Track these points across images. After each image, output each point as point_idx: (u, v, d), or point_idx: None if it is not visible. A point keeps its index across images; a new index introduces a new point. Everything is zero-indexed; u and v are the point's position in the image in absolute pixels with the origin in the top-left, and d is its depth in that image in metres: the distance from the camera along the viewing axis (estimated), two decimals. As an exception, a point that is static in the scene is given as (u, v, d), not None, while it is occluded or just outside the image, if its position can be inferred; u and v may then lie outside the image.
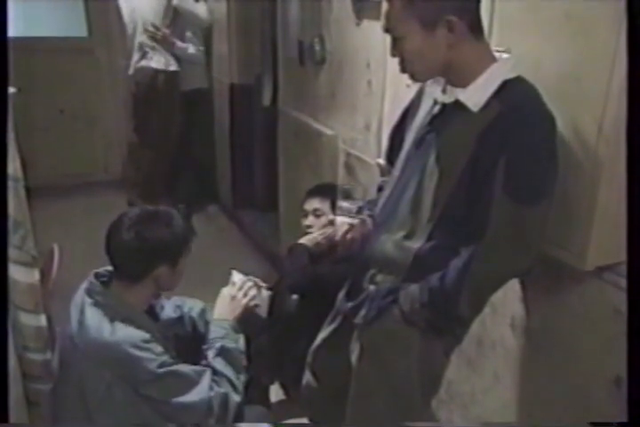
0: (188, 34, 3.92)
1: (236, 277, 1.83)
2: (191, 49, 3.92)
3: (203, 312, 1.90)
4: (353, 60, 2.41)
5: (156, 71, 3.90)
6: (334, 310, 1.74)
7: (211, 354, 1.64)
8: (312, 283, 2.07)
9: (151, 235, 1.53)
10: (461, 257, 1.36)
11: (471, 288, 1.36)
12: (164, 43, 3.82)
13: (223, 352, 1.64)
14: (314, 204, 2.20)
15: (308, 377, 1.88)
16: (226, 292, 1.78)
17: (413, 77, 1.41)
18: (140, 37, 3.88)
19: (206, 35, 4.09)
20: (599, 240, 1.37)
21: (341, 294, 1.70)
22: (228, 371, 1.62)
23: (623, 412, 1.03)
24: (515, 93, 1.29)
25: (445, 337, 1.50)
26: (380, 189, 1.69)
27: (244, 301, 1.76)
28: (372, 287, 1.54)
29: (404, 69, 1.39)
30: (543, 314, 1.61)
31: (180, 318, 1.87)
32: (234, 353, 1.65)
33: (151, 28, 3.80)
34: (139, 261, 1.54)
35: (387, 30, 1.35)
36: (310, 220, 2.21)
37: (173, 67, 3.92)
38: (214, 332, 1.69)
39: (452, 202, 1.37)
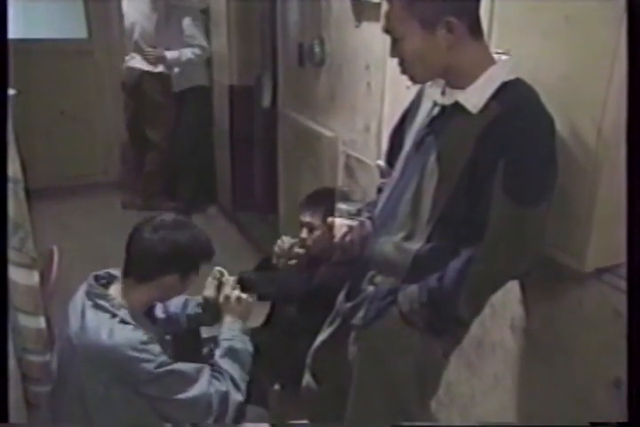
0: (188, 31, 3.90)
1: (226, 274, 1.87)
2: (187, 54, 3.90)
3: (184, 306, 1.91)
4: (352, 61, 2.42)
5: (143, 72, 3.92)
6: (334, 311, 1.74)
7: (218, 353, 1.67)
8: (310, 289, 2.07)
9: (174, 241, 1.56)
10: (460, 258, 1.36)
11: (470, 289, 1.36)
12: (156, 61, 3.89)
13: (230, 352, 1.67)
14: (306, 217, 2.13)
15: (307, 379, 1.88)
16: (233, 295, 1.79)
17: (413, 79, 1.41)
18: (135, 38, 3.92)
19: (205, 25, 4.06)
20: (598, 242, 1.37)
21: (341, 296, 1.70)
22: (234, 370, 1.64)
23: (623, 413, 1.03)
24: (513, 95, 1.29)
25: (444, 338, 1.50)
26: (380, 190, 1.69)
27: (250, 300, 1.80)
28: (370, 288, 1.54)
29: (404, 71, 1.39)
30: (543, 315, 1.61)
31: (169, 318, 1.89)
32: (241, 354, 1.69)
33: (148, 50, 3.86)
34: (153, 262, 1.56)
35: (386, 31, 1.35)
36: (304, 233, 2.14)
37: (160, 68, 3.93)
38: (224, 333, 1.72)
39: (452, 203, 1.37)
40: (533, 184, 1.29)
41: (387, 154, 1.68)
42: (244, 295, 1.80)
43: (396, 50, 1.36)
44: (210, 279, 1.88)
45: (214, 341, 1.96)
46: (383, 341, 1.51)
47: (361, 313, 1.54)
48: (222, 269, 1.89)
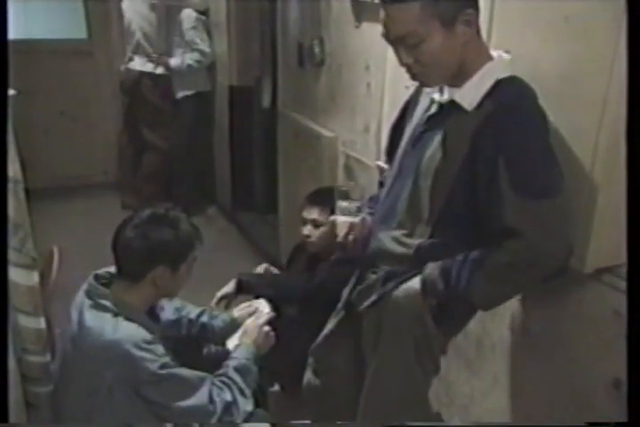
0: (187, 36, 3.88)
1: (267, 307, 1.89)
2: (187, 60, 3.87)
3: (201, 314, 1.90)
4: (352, 62, 2.42)
5: (142, 74, 3.91)
6: (337, 306, 1.73)
7: (231, 364, 1.66)
8: (310, 290, 2.07)
9: (154, 235, 1.55)
10: (488, 248, 1.33)
11: (488, 275, 1.32)
12: (160, 63, 3.89)
13: (245, 369, 1.66)
14: (313, 213, 2.16)
15: (308, 376, 1.87)
16: (265, 329, 1.79)
17: (426, 83, 1.40)
18: (136, 39, 3.92)
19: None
20: (598, 242, 1.37)
21: (345, 292, 1.69)
22: (243, 383, 1.63)
23: (622, 414, 1.03)
24: (507, 92, 1.30)
25: (445, 324, 1.48)
26: (382, 184, 1.69)
27: (272, 334, 1.80)
28: (373, 276, 1.54)
29: (414, 77, 1.35)
30: (543, 316, 1.61)
31: (178, 321, 1.88)
32: (252, 374, 1.68)
33: (153, 55, 3.87)
34: (138, 259, 1.56)
35: (400, 38, 1.29)
36: (308, 229, 2.17)
37: (161, 70, 3.92)
38: (241, 352, 1.71)
39: (451, 201, 1.37)
40: (539, 177, 1.27)
41: (386, 149, 1.68)
42: (272, 333, 1.80)
43: (410, 56, 1.30)
44: (247, 304, 1.93)
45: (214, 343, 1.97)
46: (386, 324, 1.49)
47: (365, 299, 1.53)
48: (266, 302, 1.92)
